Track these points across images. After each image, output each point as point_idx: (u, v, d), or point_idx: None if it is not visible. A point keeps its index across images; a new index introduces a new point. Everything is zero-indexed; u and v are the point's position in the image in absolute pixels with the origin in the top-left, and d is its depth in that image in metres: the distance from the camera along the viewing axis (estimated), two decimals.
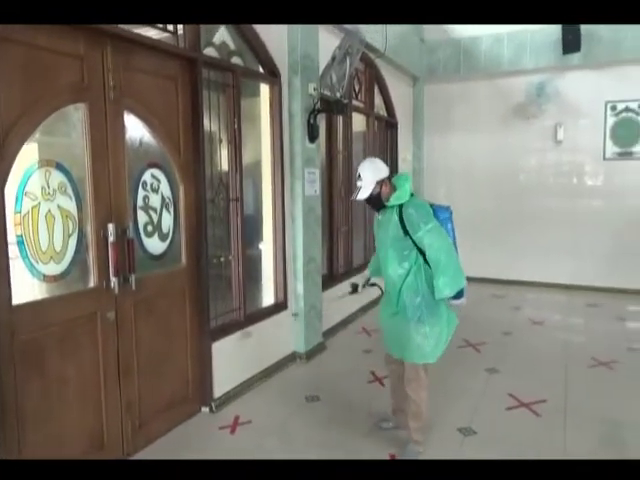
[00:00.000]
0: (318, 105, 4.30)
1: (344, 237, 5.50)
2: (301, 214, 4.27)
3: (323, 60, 4.37)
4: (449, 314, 2.83)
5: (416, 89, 7.48)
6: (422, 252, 2.71)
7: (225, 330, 3.59)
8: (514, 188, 7.12)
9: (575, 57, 6.39)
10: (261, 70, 4.01)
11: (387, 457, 2.89)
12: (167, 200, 3.13)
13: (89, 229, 2.62)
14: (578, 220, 6.78)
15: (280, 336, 4.21)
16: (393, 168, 6.61)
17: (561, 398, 3.58)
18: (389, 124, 6.77)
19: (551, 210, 6.91)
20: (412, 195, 2.78)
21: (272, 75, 4.03)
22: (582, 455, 2.85)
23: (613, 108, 6.55)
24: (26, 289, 2.37)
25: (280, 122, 4.09)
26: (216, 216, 3.59)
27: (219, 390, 3.50)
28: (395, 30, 6.02)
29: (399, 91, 6.93)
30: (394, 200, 2.74)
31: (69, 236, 2.53)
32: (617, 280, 6.58)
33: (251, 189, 4.08)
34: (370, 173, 2.76)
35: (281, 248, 4.19)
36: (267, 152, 4.12)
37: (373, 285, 3.21)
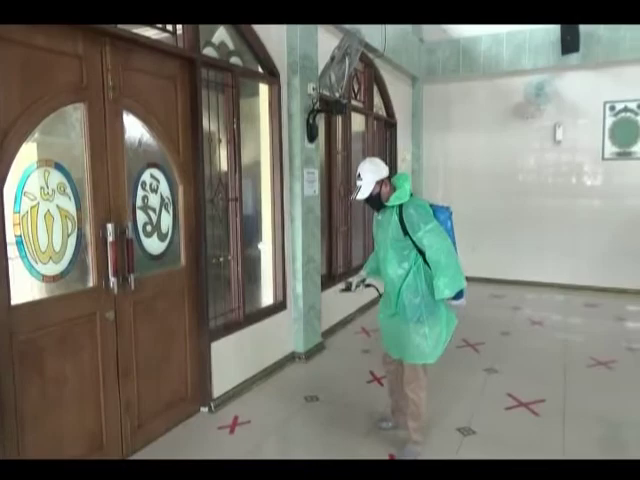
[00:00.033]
0: (317, 105, 4.31)
1: (343, 237, 5.50)
2: (300, 214, 4.26)
3: (322, 60, 4.37)
4: (448, 314, 2.83)
5: (415, 89, 7.48)
6: (422, 252, 2.71)
7: (224, 330, 3.59)
8: (513, 188, 7.13)
9: (574, 57, 6.39)
10: (260, 70, 4.01)
11: (386, 457, 2.89)
12: (166, 200, 3.13)
13: (88, 229, 2.62)
14: (577, 220, 6.78)
15: (279, 336, 4.21)
16: (392, 168, 6.60)
17: (560, 398, 3.59)
18: (388, 124, 6.77)
19: (550, 210, 6.91)
20: (412, 195, 2.78)
21: (271, 75, 4.03)
22: (581, 455, 2.85)
23: (612, 108, 6.56)
24: (25, 289, 2.36)
25: (279, 122, 4.09)
26: (215, 216, 3.59)
27: (218, 390, 3.50)
28: (394, 30, 6.02)
29: (398, 91, 6.93)
30: (394, 200, 2.74)
31: (68, 236, 2.52)
32: (616, 280, 6.58)
33: (250, 189, 4.08)
34: (370, 173, 2.76)
35: (280, 248, 4.19)
36: (266, 152, 4.12)
37: (368, 286, 3.12)
